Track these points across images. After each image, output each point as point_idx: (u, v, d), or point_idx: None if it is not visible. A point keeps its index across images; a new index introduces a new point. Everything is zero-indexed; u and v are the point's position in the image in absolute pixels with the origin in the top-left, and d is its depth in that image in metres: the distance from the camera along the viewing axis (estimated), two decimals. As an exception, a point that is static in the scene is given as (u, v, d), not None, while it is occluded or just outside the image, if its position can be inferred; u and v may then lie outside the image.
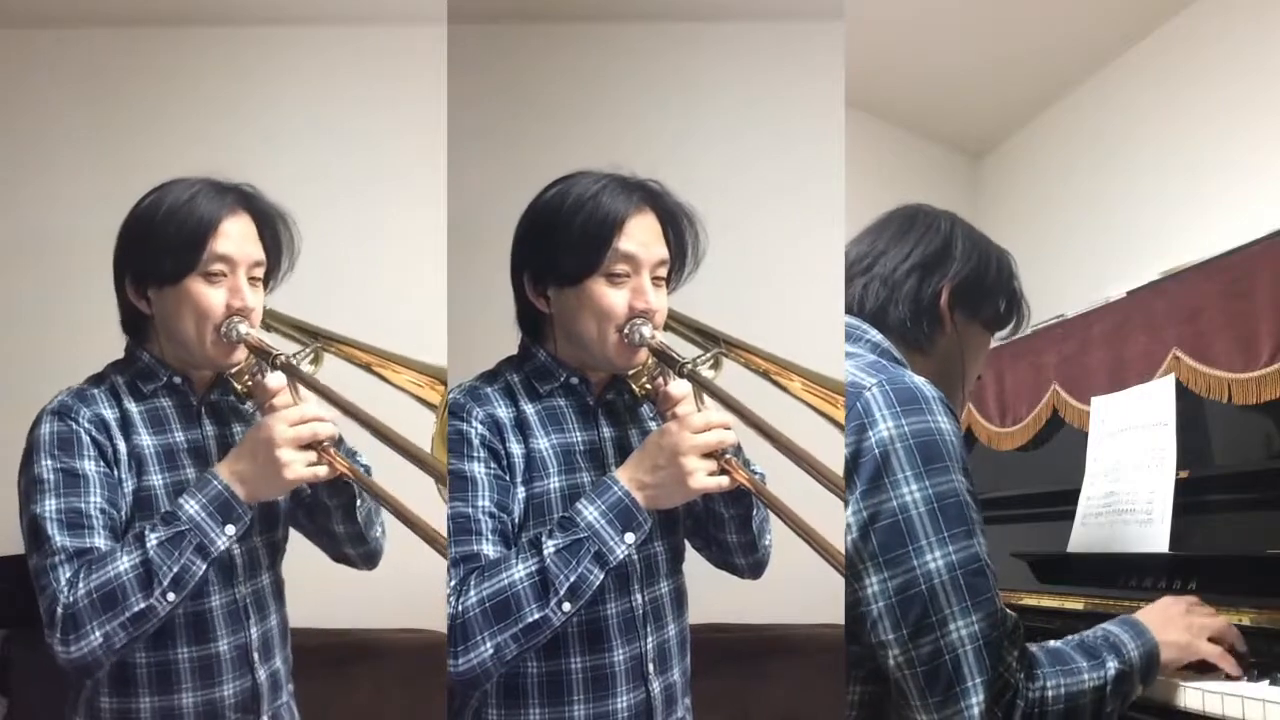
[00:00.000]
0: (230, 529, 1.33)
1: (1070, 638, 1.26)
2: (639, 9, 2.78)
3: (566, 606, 1.23)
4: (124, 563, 1.28)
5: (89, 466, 1.35)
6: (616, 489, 1.27)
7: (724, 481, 1.29)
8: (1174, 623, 1.32)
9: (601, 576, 1.25)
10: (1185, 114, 2.86)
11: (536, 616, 1.21)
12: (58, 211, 2.76)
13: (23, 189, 2.79)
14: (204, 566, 1.31)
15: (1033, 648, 1.20)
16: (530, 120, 2.71)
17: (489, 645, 1.21)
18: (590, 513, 1.25)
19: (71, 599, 1.26)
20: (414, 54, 2.63)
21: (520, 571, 1.22)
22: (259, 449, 1.33)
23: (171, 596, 1.28)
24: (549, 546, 1.23)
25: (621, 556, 1.26)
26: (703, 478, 1.27)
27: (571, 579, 1.22)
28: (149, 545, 1.28)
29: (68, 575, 1.28)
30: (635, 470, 1.28)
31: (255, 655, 1.45)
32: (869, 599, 1.17)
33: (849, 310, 1.39)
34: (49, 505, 1.32)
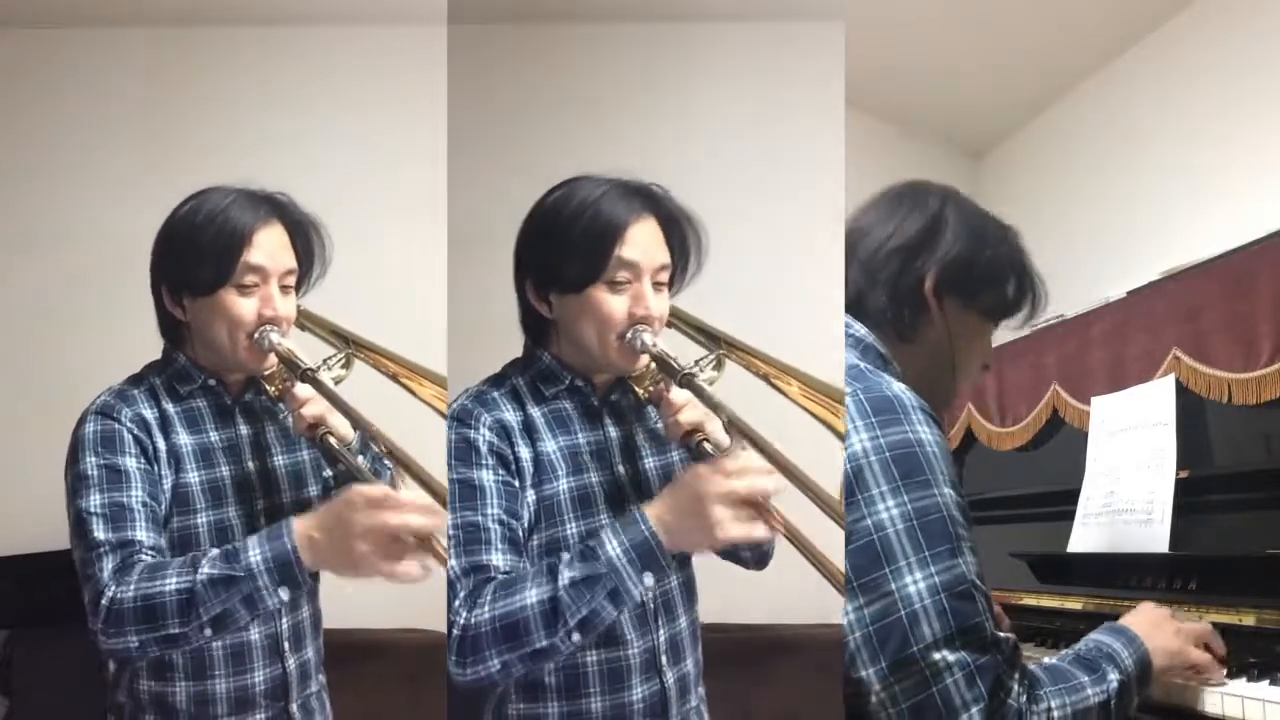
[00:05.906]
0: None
1: (1065, 652, 1.21)
2: (639, 9, 2.78)
3: (576, 638, 1.19)
4: (170, 583, 1.26)
5: (131, 463, 1.38)
6: (643, 527, 1.19)
7: (756, 531, 1.18)
8: (1161, 628, 1.28)
9: (615, 614, 1.20)
10: (1185, 114, 2.87)
11: (544, 644, 1.18)
12: (55, 211, 2.76)
13: (24, 186, 2.79)
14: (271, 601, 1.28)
15: (1031, 667, 1.14)
16: (530, 120, 2.71)
17: (496, 662, 1.19)
18: (613, 547, 1.19)
19: (115, 592, 1.27)
20: (414, 54, 2.63)
21: (533, 596, 1.19)
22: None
23: (209, 632, 1.27)
24: (565, 577, 1.18)
25: (639, 597, 1.20)
26: (730, 526, 1.16)
27: (584, 613, 1.18)
28: (198, 576, 1.26)
29: (110, 567, 1.31)
30: (663, 510, 1.20)
31: (286, 644, 1.47)
32: (845, 629, 1.08)
33: None
34: (93, 500, 1.35)
